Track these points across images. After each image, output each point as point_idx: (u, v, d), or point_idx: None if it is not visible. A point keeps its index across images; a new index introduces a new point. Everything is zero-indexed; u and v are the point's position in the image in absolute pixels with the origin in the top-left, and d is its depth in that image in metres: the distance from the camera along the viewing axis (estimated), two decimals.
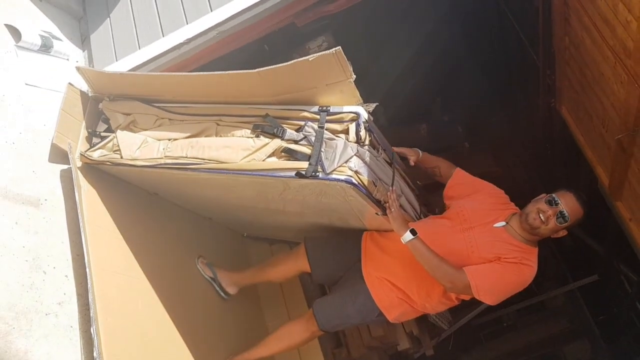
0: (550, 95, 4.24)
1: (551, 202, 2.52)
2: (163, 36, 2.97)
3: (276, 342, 2.98)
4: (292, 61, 2.25)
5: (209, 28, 2.86)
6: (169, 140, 2.57)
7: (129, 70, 2.90)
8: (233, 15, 2.82)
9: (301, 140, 2.39)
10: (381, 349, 4.80)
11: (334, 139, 2.35)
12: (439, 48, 5.62)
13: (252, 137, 2.43)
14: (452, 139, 5.66)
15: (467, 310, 5.76)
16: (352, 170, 2.29)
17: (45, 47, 2.93)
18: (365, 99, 2.42)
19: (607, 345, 7.07)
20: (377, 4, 4.48)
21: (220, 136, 2.50)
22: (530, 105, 5.09)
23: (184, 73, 2.52)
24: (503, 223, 2.63)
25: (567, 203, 2.51)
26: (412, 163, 2.71)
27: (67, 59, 3.07)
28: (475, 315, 6.08)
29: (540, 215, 2.51)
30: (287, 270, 3.12)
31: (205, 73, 2.44)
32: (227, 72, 2.36)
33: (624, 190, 3.48)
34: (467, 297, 2.66)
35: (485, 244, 2.58)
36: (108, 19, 3.21)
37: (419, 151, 2.82)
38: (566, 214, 2.50)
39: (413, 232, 2.51)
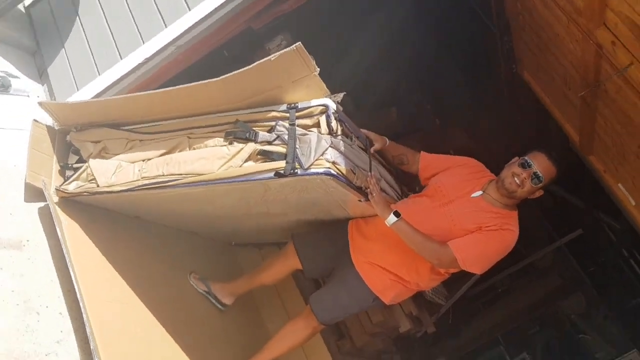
0: (510, 61, 4.32)
1: (524, 165, 2.59)
2: (121, 59, 2.95)
3: (279, 343, 2.99)
4: (255, 63, 2.26)
5: (167, 44, 2.85)
6: (143, 161, 2.56)
7: (92, 98, 2.88)
8: (188, 28, 2.81)
9: (275, 140, 2.40)
10: (384, 334, 4.84)
11: (307, 134, 2.37)
12: (399, 32, 5.65)
13: (225, 145, 2.43)
14: (423, 118, 5.72)
15: (461, 282, 5.84)
16: (329, 162, 2.30)
17: (4, 87, 2.89)
18: (332, 90, 2.44)
19: (601, 295, 7.23)
20: None
21: (194, 149, 2.49)
22: (494, 75, 5.16)
23: (146, 92, 2.51)
24: (480, 192, 2.69)
25: (540, 163, 2.57)
26: (373, 150, 2.72)
27: (28, 96, 3.02)
28: (469, 286, 6.18)
29: (516, 178, 2.58)
30: (279, 270, 3.14)
31: (166, 89, 2.43)
32: (189, 84, 2.36)
33: (594, 144, 3.56)
34: (455, 270, 2.71)
35: (465, 215, 2.64)
36: (63, 49, 3.17)
37: (386, 139, 2.84)
38: (540, 175, 2.56)
39: (397, 214, 2.55)
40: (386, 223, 2.57)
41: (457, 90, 6.22)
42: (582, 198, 6.50)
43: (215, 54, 3.07)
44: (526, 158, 2.60)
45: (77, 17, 3.18)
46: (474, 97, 6.01)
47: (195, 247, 3.45)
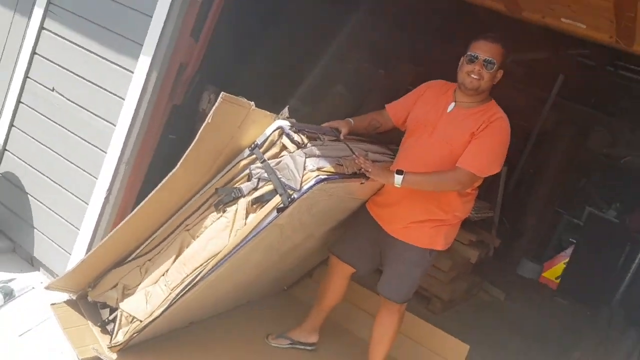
0: None
1: (472, 59, 2.64)
2: (87, 204, 2.97)
3: (379, 344, 3.01)
4: (198, 134, 2.29)
5: (116, 166, 2.87)
6: (163, 275, 2.58)
7: (86, 254, 2.90)
8: (124, 143, 2.85)
9: (258, 183, 2.42)
10: (461, 274, 4.87)
11: (281, 160, 2.39)
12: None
13: (221, 216, 2.46)
14: (369, 79, 5.74)
15: (493, 187, 5.87)
16: (314, 171, 2.33)
17: (9, 295, 2.92)
18: (273, 105, 2.48)
19: (616, 117, 7.24)
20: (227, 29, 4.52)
21: (198, 237, 2.52)
22: None
23: (125, 220, 2.52)
24: (453, 104, 2.74)
25: (484, 50, 2.63)
26: (342, 135, 2.73)
27: (33, 288, 3.05)
28: (503, 187, 6.22)
29: (472, 75, 2.63)
30: (339, 284, 3.16)
31: (140, 206, 2.44)
32: (157, 189, 2.38)
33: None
34: (479, 183, 2.74)
35: (453, 131, 2.68)
36: (34, 229, 3.20)
37: (350, 120, 2.85)
38: (489, 59, 2.62)
39: (399, 172, 2.58)
40: (396, 185, 2.59)
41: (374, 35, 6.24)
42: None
43: (164, 143, 3.09)
44: (469, 53, 2.66)
45: (28, 196, 3.21)
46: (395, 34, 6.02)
47: (255, 313, 3.48)
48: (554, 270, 6.69)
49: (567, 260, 6.56)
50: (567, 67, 6.91)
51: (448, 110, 2.75)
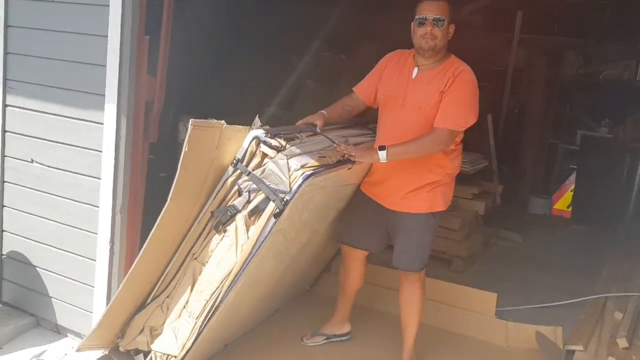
0: None
1: (422, 22, 2.70)
2: (95, 261, 3.02)
3: (410, 315, 3.05)
4: (179, 163, 2.33)
5: (112, 217, 2.92)
6: (184, 307, 2.62)
7: (106, 308, 2.94)
8: (112, 197, 2.91)
9: (250, 196, 2.47)
10: (473, 228, 4.91)
11: (265, 168, 2.44)
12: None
13: (223, 236, 2.50)
14: (333, 67, 5.78)
15: (483, 138, 5.92)
16: (299, 169, 2.37)
17: None
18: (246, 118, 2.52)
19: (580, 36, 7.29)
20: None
21: (207, 262, 2.56)
22: None
23: (133, 265, 2.56)
24: (415, 69, 2.79)
25: (431, 9, 2.69)
26: (319, 128, 2.77)
27: (66, 354, 3.10)
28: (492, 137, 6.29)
29: (427, 37, 2.68)
30: (356, 269, 3.21)
31: (144, 247, 2.48)
32: (155, 225, 2.42)
33: None
34: (461, 137, 2.81)
35: (423, 95, 2.73)
36: (50, 298, 3.25)
37: (323, 112, 2.89)
38: (438, 17, 2.67)
39: (381, 148, 2.63)
40: (382, 161, 2.64)
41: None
42: None
43: (155, 182, 3.14)
44: (417, 16, 2.72)
45: (37, 269, 3.27)
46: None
47: (285, 318, 3.53)
48: (564, 200, 6.73)
49: (573, 187, 6.61)
50: (523, 3, 6.94)
51: (413, 77, 2.80)
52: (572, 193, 6.60)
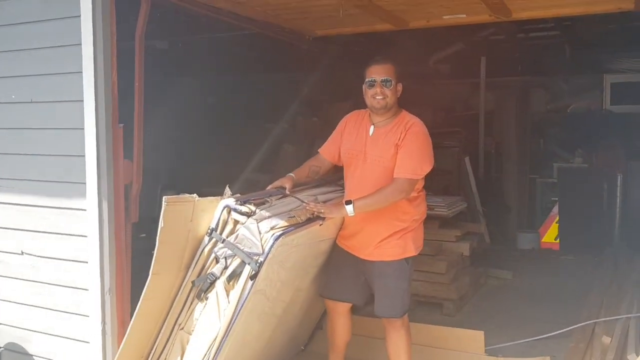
0: None
1: (372, 84, 2.96)
2: (89, 343, 3.11)
3: None
4: (157, 240, 2.49)
5: (101, 298, 3.04)
6: None
7: None
8: (101, 279, 3.03)
9: (227, 262, 2.61)
10: (460, 269, 5.01)
11: (238, 234, 2.59)
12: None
13: (205, 304, 2.62)
14: (309, 128, 6.04)
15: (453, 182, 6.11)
16: (269, 231, 2.53)
17: None
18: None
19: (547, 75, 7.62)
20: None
21: (193, 331, 2.67)
22: None
23: (123, 341, 2.67)
24: (372, 127, 3.02)
25: (378, 72, 2.94)
26: (288, 190, 2.97)
27: None
28: (471, 175, 6.48)
29: (376, 97, 2.92)
30: (343, 323, 3.30)
31: (131, 324, 2.61)
32: (140, 300, 2.55)
33: None
34: (421, 185, 3.01)
35: (380, 150, 2.95)
36: None
37: (291, 175, 3.10)
38: (386, 78, 2.93)
39: (348, 202, 2.81)
40: (350, 215, 2.81)
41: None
42: None
43: (140, 243, 3.28)
44: (367, 80, 2.97)
45: (34, 358, 3.35)
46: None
47: None
48: (551, 232, 6.87)
49: (557, 219, 6.76)
50: (485, 49, 7.30)
51: (370, 134, 3.01)
52: (558, 225, 6.74)
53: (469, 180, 6.89)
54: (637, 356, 3.18)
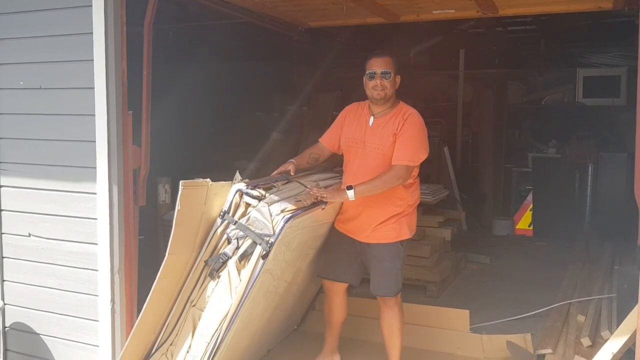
0: None
1: (372, 76, 3.13)
2: (98, 321, 3.24)
3: (392, 339, 3.32)
4: (174, 222, 2.63)
5: (111, 278, 3.18)
6: (188, 352, 2.86)
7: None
8: (111, 259, 3.16)
9: (239, 242, 2.77)
10: (443, 255, 5.25)
11: (249, 216, 2.75)
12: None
13: (218, 282, 2.78)
14: (297, 117, 6.19)
15: (443, 172, 6.34)
16: (279, 214, 2.69)
17: None
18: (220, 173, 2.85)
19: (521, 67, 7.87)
20: None
21: (205, 308, 2.82)
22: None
23: (139, 318, 2.81)
24: (372, 117, 3.20)
25: (378, 65, 3.11)
26: (292, 173, 3.18)
27: None
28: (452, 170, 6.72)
29: (377, 89, 3.09)
30: (339, 302, 3.49)
31: (148, 300, 2.74)
32: (157, 277, 2.69)
33: None
34: (416, 172, 3.20)
35: (380, 139, 3.13)
36: None
37: (292, 161, 3.29)
38: (385, 70, 3.10)
39: (349, 187, 2.99)
40: (350, 199, 3.00)
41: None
42: None
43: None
44: (367, 72, 3.15)
45: (41, 337, 3.46)
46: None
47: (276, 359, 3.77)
48: (525, 220, 7.19)
49: (532, 206, 7.07)
50: (464, 42, 7.54)
51: (370, 124, 3.19)
52: (532, 212, 7.05)
53: (448, 169, 7.16)
54: (611, 333, 3.44)
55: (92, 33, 3.08)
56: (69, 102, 3.23)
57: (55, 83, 3.28)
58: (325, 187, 3.21)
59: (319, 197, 2.98)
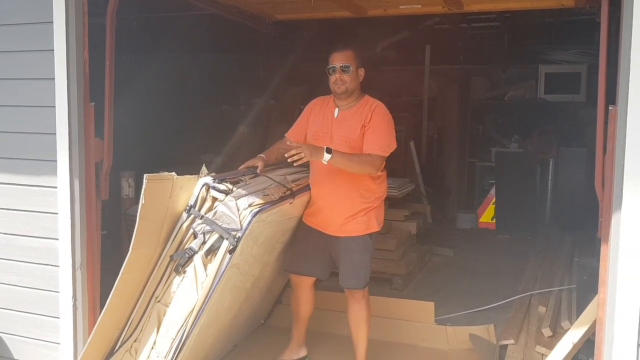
0: None
1: (331, 71, 3.14)
2: (59, 318, 3.16)
3: (359, 331, 3.34)
4: (137, 215, 2.58)
5: (72, 274, 3.10)
6: (152, 348, 2.82)
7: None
8: (72, 255, 3.08)
9: (205, 237, 2.73)
10: (408, 248, 5.31)
11: (217, 211, 2.72)
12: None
13: (183, 277, 2.75)
14: (264, 111, 6.16)
15: (407, 165, 6.39)
16: (247, 208, 2.67)
17: None
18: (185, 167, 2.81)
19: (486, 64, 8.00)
20: None
21: (170, 303, 2.78)
22: None
23: (102, 314, 2.76)
24: (336, 110, 3.21)
25: (338, 59, 3.13)
26: (259, 170, 3.13)
27: None
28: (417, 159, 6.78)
29: (337, 83, 3.11)
30: (306, 296, 3.49)
31: (111, 295, 2.69)
32: (120, 272, 2.64)
33: None
34: (384, 164, 3.20)
35: (346, 130, 3.14)
36: None
37: (261, 155, 3.26)
38: (344, 65, 3.11)
39: (329, 150, 2.93)
40: (324, 162, 2.92)
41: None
42: None
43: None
44: (328, 67, 3.16)
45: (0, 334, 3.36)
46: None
47: (244, 355, 3.76)
48: (488, 213, 7.32)
49: (494, 200, 7.20)
50: (429, 37, 7.61)
51: (335, 116, 3.20)
52: (494, 206, 7.19)
53: (414, 163, 7.23)
54: (571, 324, 3.53)
55: (52, 22, 2.99)
56: (29, 94, 3.14)
57: (14, 73, 3.18)
58: (293, 181, 3.18)
59: (295, 156, 2.84)
